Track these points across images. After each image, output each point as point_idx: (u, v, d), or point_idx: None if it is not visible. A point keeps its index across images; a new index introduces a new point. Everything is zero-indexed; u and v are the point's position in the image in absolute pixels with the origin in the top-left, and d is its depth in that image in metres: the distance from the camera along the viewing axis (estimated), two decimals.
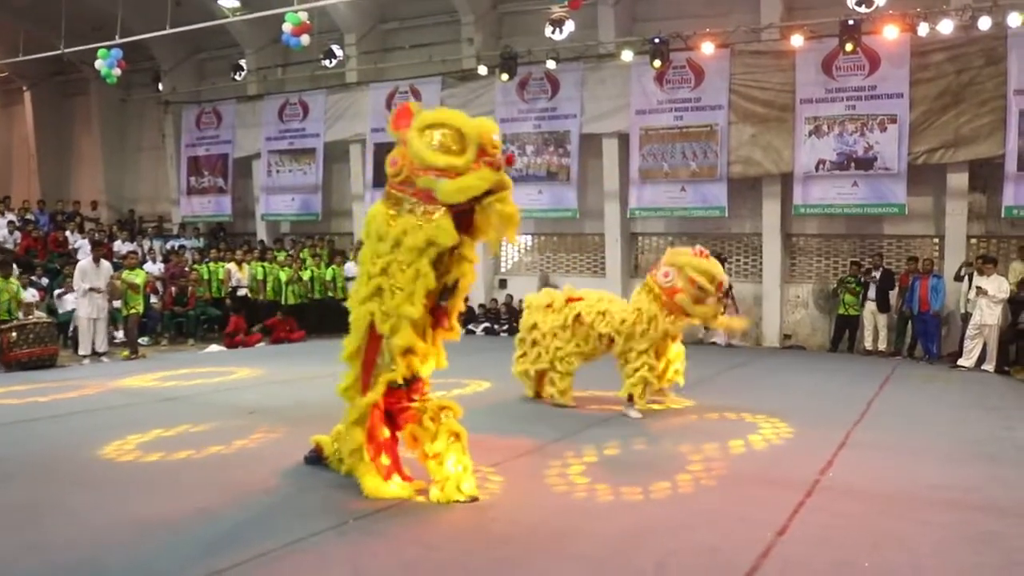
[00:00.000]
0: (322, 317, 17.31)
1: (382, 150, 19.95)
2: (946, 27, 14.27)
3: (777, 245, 16.83)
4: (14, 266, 14.59)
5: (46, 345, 12.92)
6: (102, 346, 13.81)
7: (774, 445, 7.65)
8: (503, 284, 19.80)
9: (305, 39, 15.01)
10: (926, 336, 14.68)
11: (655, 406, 9.39)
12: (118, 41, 17.08)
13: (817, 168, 15.94)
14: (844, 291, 15.73)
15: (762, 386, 11.41)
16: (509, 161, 5.85)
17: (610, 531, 5.16)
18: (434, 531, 5.11)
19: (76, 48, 18.16)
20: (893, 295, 15.22)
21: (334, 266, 18.66)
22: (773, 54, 16.31)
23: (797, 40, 15.47)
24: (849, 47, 14.78)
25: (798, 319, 16.81)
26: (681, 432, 8.12)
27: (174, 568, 4.49)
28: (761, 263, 17.13)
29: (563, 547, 4.89)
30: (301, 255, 18.94)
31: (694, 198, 17.14)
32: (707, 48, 16.24)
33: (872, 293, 15.24)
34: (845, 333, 15.92)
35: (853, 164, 15.67)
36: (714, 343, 16.43)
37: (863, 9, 15.12)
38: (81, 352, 13.62)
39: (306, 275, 18.06)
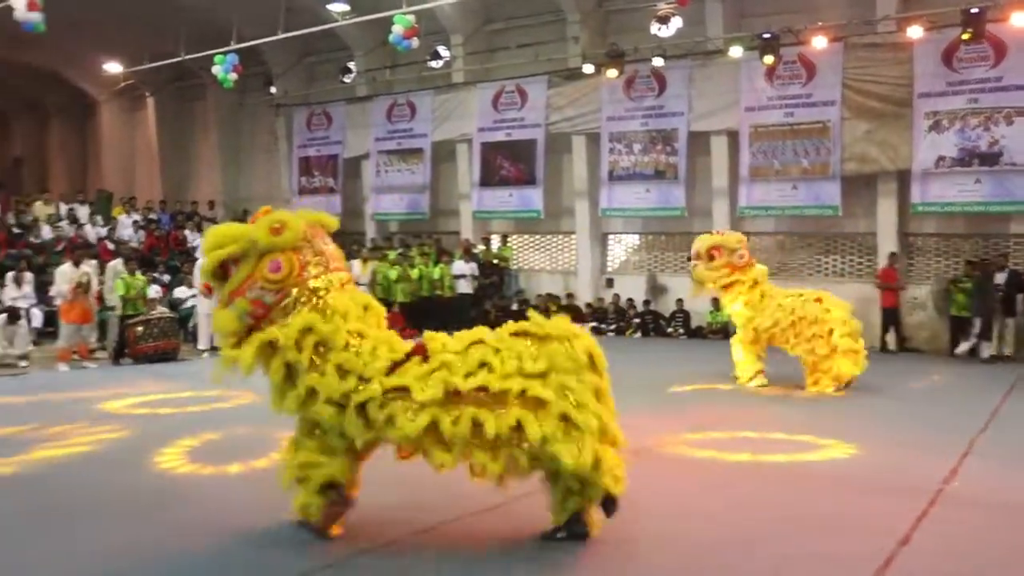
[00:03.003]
0: (429, 313, 17.47)
1: (489, 149, 20.16)
2: None
3: (893, 245, 16.20)
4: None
5: (169, 339, 13.51)
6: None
7: (892, 452, 7.39)
8: (610, 283, 19.66)
9: (414, 41, 15.24)
10: None
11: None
12: (233, 47, 17.76)
13: (937, 165, 15.30)
14: (956, 291, 15.02)
15: (877, 390, 10.87)
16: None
17: (721, 537, 5.07)
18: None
19: (194, 55, 18.92)
20: (1020, 299, 14.42)
21: (442, 264, 18.87)
22: (889, 46, 15.73)
23: (915, 31, 14.83)
24: (971, 36, 14.10)
25: (916, 322, 16.14)
26: (796, 435, 7.93)
27: None
28: (876, 263, 16.52)
29: (671, 554, 4.82)
30: (410, 253, 19.23)
31: (806, 196, 16.69)
32: (819, 42, 15.71)
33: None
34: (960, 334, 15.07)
35: (976, 160, 14.98)
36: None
37: None
38: (200, 346, 14.16)
39: (415, 273, 18.32)
